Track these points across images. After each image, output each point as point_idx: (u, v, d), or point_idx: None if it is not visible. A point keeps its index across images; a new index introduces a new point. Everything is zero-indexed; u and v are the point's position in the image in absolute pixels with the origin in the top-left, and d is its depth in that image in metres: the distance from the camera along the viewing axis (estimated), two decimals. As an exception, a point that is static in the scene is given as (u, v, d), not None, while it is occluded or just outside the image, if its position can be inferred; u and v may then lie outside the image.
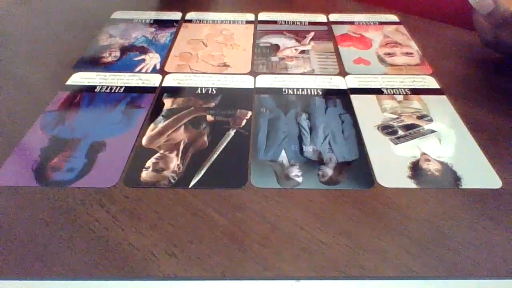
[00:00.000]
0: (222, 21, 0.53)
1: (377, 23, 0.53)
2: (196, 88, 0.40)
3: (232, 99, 0.39)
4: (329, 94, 0.40)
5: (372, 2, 0.58)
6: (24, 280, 0.24)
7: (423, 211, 0.28)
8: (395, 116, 0.37)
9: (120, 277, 0.24)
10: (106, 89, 0.40)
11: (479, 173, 0.31)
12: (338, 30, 0.51)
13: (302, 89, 0.40)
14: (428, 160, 0.32)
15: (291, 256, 0.25)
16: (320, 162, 0.32)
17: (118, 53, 0.46)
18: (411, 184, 0.30)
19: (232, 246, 0.26)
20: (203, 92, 0.40)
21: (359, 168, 0.32)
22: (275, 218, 0.28)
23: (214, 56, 0.45)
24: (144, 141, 0.34)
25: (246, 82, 0.41)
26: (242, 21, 0.53)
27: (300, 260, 0.25)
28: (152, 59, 0.45)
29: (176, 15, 0.54)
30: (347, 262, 0.25)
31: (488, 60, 0.46)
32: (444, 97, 0.40)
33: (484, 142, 0.34)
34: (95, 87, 0.40)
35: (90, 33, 0.50)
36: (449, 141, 0.34)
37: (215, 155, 0.32)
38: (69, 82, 0.41)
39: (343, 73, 0.43)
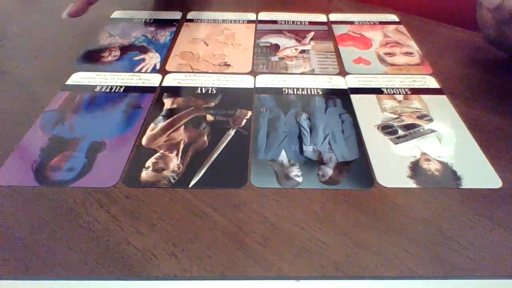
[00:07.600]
0: (223, 21, 0.53)
1: (377, 23, 0.53)
2: (196, 88, 0.40)
3: (232, 99, 0.39)
4: (329, 94, 0.40)
5: (372, 2, 0.58)
6: (24, 280, 0.24)
7: (423, 211, 0.28)
8: (395, 116, 0.37)
9: (120, 277, 0.24)
10: (106, 89, 0.40)
11: (479, 173, 0.31)
12: (338, 30, 0.51)
13: (302, 89, 0.40)
14: (428, 160, 0.32)
15: (291, 256, 0.25)
16: (320, 162, 0.32)
17: (118, 53, 0.46)
18: (411, 184, 0.30)
19: (232, 246, 0.26)
20: (203, 92, 0.40)
21: (359, 168, 0.31)
22: (275, 218, 0.28)
23: (215, 56, 0.45)
24: (144, 141, 0.34)
25: (246, 82, 0.41)
26: (243, 20, 0.53)
27: (300, 260, 0.25)
28: (152, 58, 0.45)
29: (176, 15, 0.54)
30: (347, 262, 0.25)
31: (488, 60, 0.46)
32: (444, 97, 0.39)
33: (484, 142, 0.34)
34: (95, 87, 0.40)
35: (90, 32, 0.50)
36: (449, 141, 0.34)
37: (215, 155, 0.32)
38: (69, 82, 0.41)
39: (343, 73, 0.43)
